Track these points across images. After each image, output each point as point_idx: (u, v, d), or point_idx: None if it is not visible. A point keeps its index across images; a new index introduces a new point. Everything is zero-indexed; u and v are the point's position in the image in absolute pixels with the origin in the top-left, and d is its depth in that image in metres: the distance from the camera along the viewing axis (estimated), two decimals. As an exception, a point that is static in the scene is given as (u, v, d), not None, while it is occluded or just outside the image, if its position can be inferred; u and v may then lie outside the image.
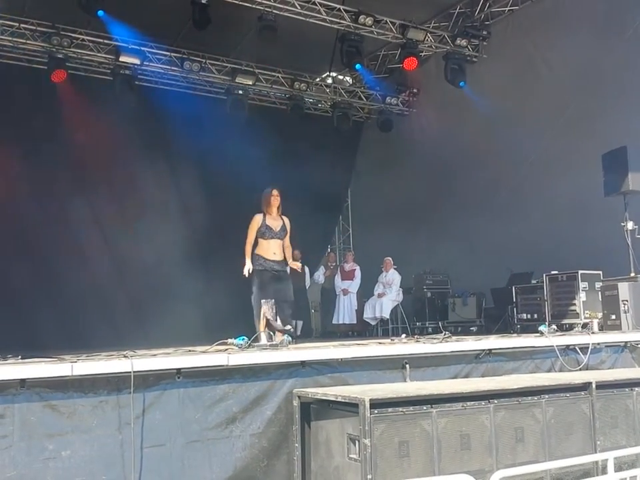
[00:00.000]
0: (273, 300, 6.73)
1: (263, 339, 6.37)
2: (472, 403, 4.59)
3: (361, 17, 11.38)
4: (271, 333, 6.39)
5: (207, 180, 12.65)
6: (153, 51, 12.17)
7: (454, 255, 11.80)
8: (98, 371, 4.24)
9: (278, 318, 6.74)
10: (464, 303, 11.63)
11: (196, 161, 12.58)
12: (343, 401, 4.42)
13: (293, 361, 5.00)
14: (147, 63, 12.14)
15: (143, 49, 11.89)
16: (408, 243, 12.69)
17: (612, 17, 10.17)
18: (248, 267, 7.20)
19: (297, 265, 7.76)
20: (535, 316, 9.56)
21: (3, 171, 10.65)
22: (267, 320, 6.54)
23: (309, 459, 4.82)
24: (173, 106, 12.30)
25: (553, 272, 9.33)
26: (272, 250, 7.27)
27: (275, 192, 7.39)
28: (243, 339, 5.42)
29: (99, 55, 11.75)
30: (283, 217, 7.45)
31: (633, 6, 9.89)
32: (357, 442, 4.25)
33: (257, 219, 7.31)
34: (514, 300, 10.07)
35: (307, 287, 13.06)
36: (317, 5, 11.14)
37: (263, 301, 6.75)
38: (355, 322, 12.79)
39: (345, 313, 12.76)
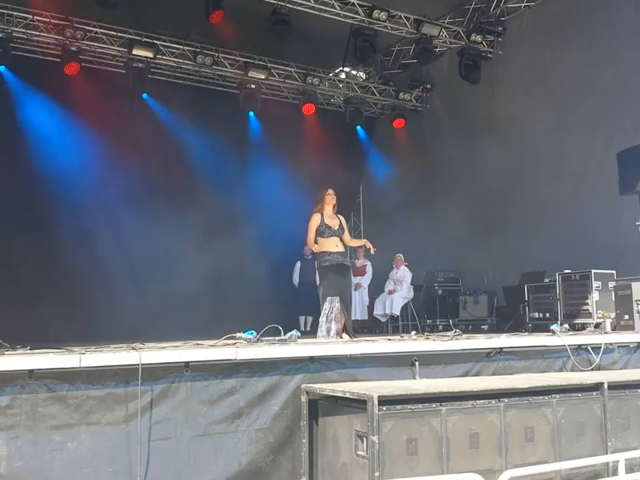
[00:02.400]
0: (338, 297, 7.16)
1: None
2: (482, 401, 4.54)
3: (375, 11, 11.31)
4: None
5: (218, 173, 12.64)
6: (166, 44, 12.17)
7: (466, 252, 11.74)
8: (106, 363, 4.23)
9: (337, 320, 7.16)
10: (475, 301, 11.57)
11: (208, 155, 12.57)
12: (351, 397, 4.38)
13: (302, 356, 4.96)
14: (160, 56, 12.14)
15: (156, 42, 11.90)
16: (419, 239, 12.63)
17: (627, 15, 10.07)
18: (311, 245, 7.55)
19: (370, 246, 7.97)
20: (547, 315, 9.51)
21: (13, 165, 10.69)
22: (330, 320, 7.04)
23: (316, 455, 4.79)
24: (186, 99, 12.31)
25: (565, 271, 9.25)
26: (334, 243, 7.52)
27: (330, 191, 7.66)
28: (252, 333, 5.40)
29: (112, 47, 11.76)
30: (339, 215, 7.68)
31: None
32: (364, 439, 4.22)
33: (316, 218, 7.54)
34: (526, 299, 10.02)
35: (317, 283, 13.01)
36: (330, -1, 11.10)
37: (328, 298, 7.16)
38: (366, 318, 12.76)
39: (356, 309, 12.69)
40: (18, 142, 10.96)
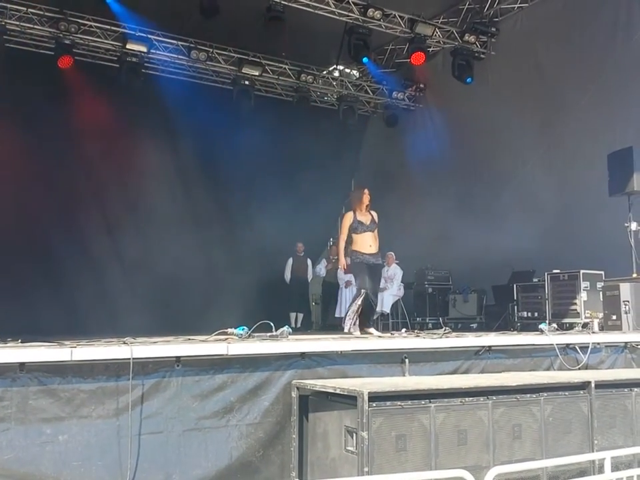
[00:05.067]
0: (365, 293, 7.48)
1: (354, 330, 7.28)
2: (470, 398, 4.59)
3: (369, 10, 11.34)
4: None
5: (211, 169, 12.64)
6: (160, 39, 12.16)
7: (456, 251, 11.79)
8: (97, 357, 4.24)
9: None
10: (465, 300, 11.63)
11: (200, 151, 12.57)
12: (341, 393, 4.42)
13: (293, 352, 4.99)
14: (154, 51, 12.13)
15: (150, 36, 11.88)
16: (410, 237, 12.68)
17: (620, 17, 10.15)
18: (343, 264, 7.97)
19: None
20: (536, 314, 9.57)
21: (6, 157, 10.64)
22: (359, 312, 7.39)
23: (306, 450, 4.82)
24: (179, 95, 12.29)
25: (554, 271, 9.32)
26: (367, 243, 7.78)
27: (366, 190, 7.95)
28: (243, 328, 5.41)
29: (106, 41, 11.72)
30: (371, 212, 7.94)
31: (641, 7, 9.88)
32: (354, 434, 4.25)
33: (349, 217, 7.85)
34: (515, 298, 10.08)
35: (309, 280, 13.05)
36: (325, -3, 11.11)
37: (362, 291, 7.51)
38: (356, 315, 12.76)
39: (347, 306, 12.73)
40: (11, 134, 10.90)
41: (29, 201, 10.95)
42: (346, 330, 7.63)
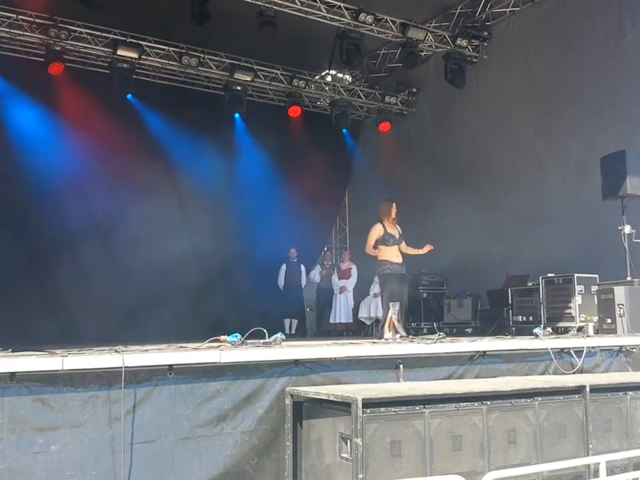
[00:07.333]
0: (399, 303, 7.55)
1: (387, 335, 7.30)
2: (465, 404, 4.57)
3: (361, 14, 11.35)
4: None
5: (203, 176, 12.61)
6: (152, 44, 12.12)
7: (450, 255, 11.78)
8: (89, 366, 4.20)
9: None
10: (459, 304, 11.62)
11: (192, 157, 12.53)
12: (335, 400, 4.39)
13: (286, 359, 4.96)
14: (145, 57, 12.08)
15: (141, 42, 11.85)
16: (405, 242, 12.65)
17: (611, 21, 10.19)
18: (372, 250, 7.95)
19: (429, 248, 8.31)
20: (531, 318, 9.58)
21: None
22: (393, 321, 7.37)
23: (300, 458, 4.80)
24: (171, 101, 12.27)
25: (549, 275, 9.33)
26: (395, 253, 7.94)
27: (394, 204, 8.11)
28: (236, 335, 5.38)
29: (96, 47, 11.69)
30: (397, 225, 8.10)
31: (631, 12, 9.90)
32: (348, 441, 4.23)
33: (378, 228, 7.96)
34: (509, 302, 10.09)
35: (303, 286, 13.03)
36: (317, 2, 11.11)
37: (391, 303, 7.52)
38: (351, 321, 12.77)
39: (341, 312, 12.74)
40: (0, 141, 10.87)
41: (16, 207, 10.88)
42: (386, 338, 7.52)
